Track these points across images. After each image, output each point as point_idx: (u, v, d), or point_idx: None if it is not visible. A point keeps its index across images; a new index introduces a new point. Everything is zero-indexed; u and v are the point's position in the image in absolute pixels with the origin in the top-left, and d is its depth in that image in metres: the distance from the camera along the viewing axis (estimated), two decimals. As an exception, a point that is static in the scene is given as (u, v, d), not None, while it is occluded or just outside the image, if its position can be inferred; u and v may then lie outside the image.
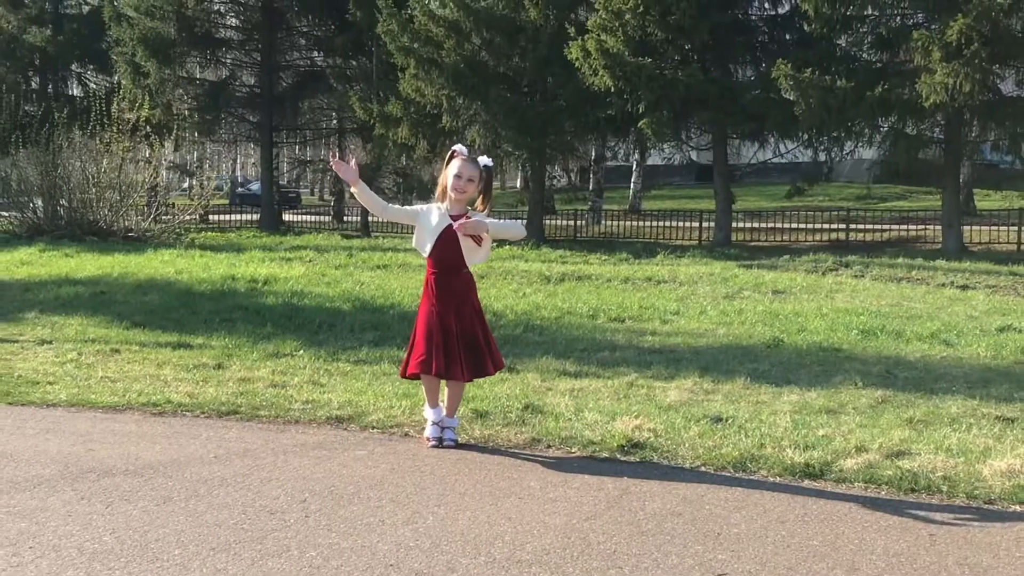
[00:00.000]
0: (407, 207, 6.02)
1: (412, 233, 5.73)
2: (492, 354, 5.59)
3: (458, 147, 5.51)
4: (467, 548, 3.86)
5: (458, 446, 5.40)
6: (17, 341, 9.14)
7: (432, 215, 5.45)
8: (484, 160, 5.51)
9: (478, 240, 5.40)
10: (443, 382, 5.55)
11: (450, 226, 5.35)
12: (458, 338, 5.37)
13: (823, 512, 4.31)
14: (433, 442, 5.42)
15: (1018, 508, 4.38)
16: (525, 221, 25.81)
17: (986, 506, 4.42)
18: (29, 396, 6.76)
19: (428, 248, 5.43)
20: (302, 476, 4.85)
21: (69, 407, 6.48)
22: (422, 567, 3.66)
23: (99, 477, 4.81)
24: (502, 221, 5.76)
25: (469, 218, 5.35)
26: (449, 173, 5.39)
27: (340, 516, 4.24)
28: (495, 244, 6.04)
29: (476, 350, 5.46)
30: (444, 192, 5.45)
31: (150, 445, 5.47)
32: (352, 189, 5.64)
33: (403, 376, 5.77)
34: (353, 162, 5.52)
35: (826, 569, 3.65)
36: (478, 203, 5.54)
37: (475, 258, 5.49)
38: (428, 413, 5.55)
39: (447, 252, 5.39)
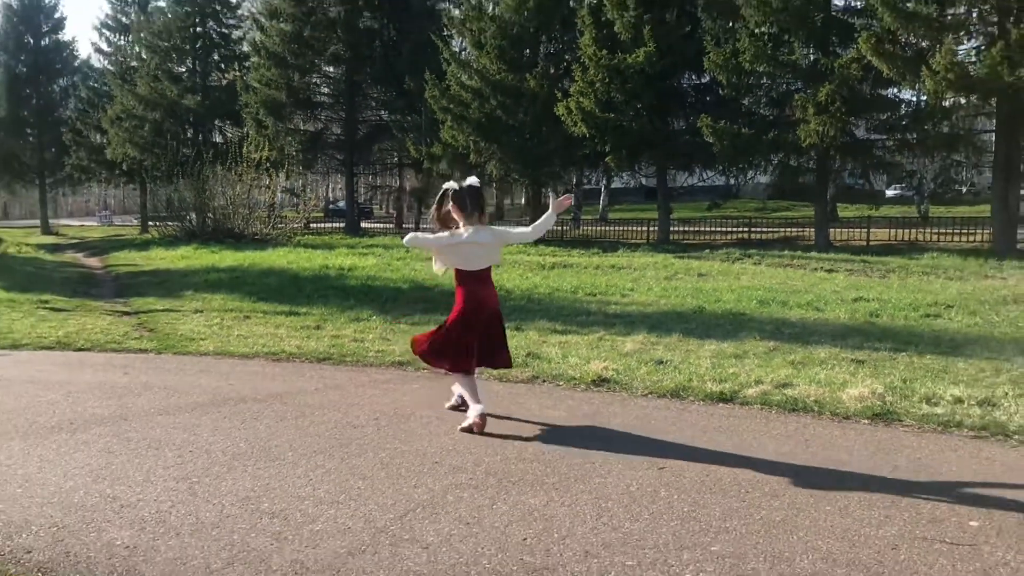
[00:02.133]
0: None
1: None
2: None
3: (449, 184, 4.32)
4: (488, 450, 3.87)
5: (483, 380, 5.35)
6: (179, 311, 9.20)
7: None
8: (447, 184, 4.31)
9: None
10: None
11: None
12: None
13: (732, 426, 4.32)
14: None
15: (866, 422, 4.38)
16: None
17: (844, 421, 4.41)
18: (187, 348, 6.82)
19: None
20: (375, 402, 4.87)
21: (215, 355, 6.53)
22: (457, 462, 3.68)
23: (236, 403, 4.85)
24: (425, 236, 4.32)
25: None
26: None
27: (402, 429, 4.26)
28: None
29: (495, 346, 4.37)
30: None
31: (271, 381, 5.51)
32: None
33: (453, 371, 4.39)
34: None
35: (733, 462, 3.66)
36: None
37: (434, 268, 4.50)
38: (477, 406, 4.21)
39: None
